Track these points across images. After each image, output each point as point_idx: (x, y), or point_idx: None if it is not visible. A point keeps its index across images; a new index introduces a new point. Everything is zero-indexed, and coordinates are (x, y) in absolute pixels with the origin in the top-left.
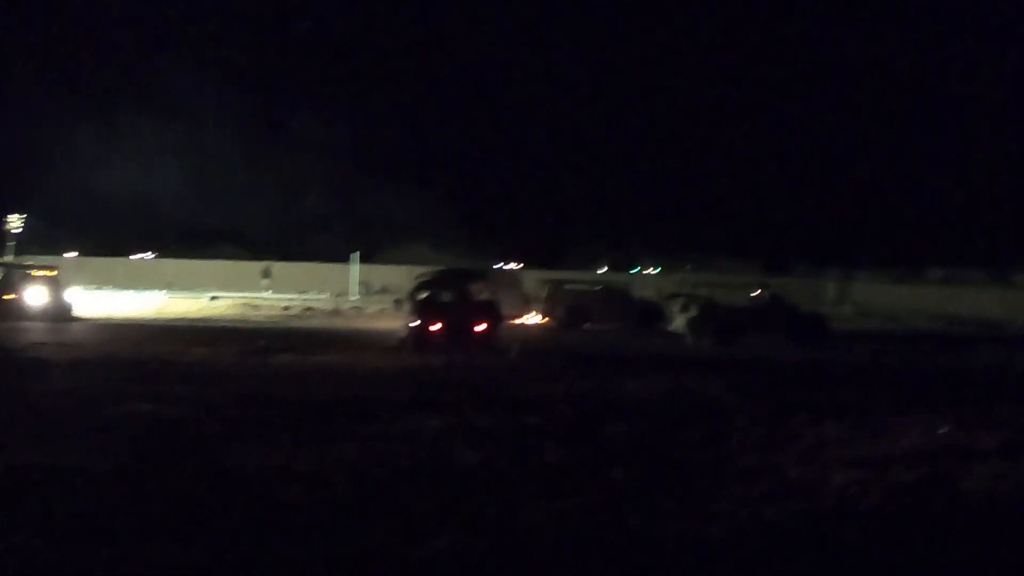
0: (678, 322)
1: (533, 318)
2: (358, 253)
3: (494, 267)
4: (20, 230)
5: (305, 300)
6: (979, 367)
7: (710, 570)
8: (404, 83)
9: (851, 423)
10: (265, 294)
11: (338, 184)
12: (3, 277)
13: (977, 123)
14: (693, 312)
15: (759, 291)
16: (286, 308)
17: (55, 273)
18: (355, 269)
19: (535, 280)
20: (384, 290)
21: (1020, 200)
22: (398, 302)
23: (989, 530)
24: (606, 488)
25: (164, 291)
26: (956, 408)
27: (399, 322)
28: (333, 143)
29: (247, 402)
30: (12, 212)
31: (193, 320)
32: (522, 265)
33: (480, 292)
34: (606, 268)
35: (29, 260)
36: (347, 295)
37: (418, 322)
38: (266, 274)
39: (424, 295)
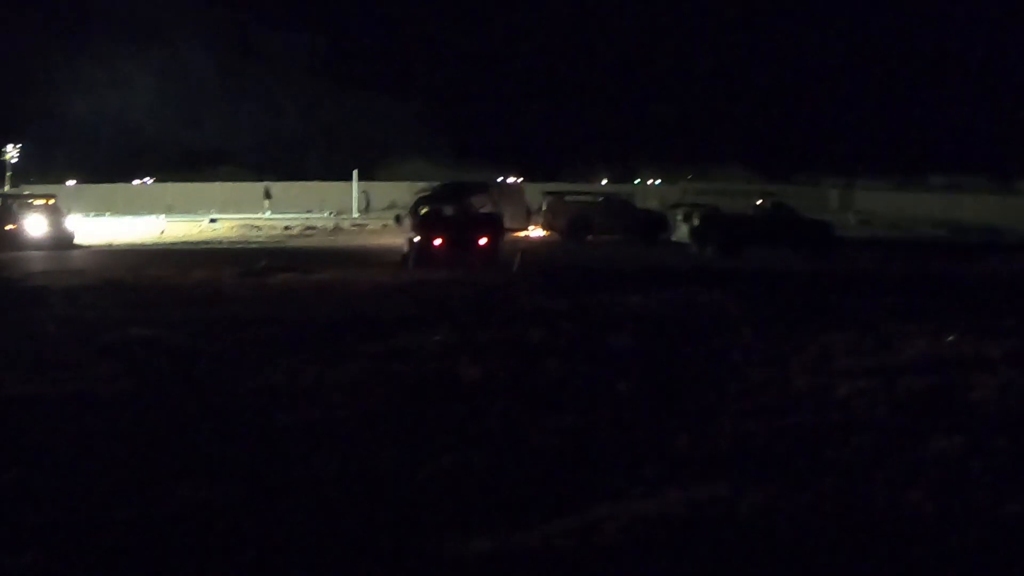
0: (681, 232)
1: (535, 231)
2: (357, 171)
3: (496, 180)
4: (16, 160)
5: (306, 219)
6: (984, 275)
7: (716, 483)
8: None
9: (857, 333)
10: (266, 215)
11: (337, 102)
12: (1, 207)
13: (979, 28)
14: (696, 222)
15: (763, 200)
16: (287, 228)
17: (54, 201)
18: (355, 186)
19: (537, 193)
20: (392, 205)
21: (1022, 106)
22: (399, 218)
23: (998, 438)
24: (611, 402)
25: (164, 215)
26: (962, 316)
27: (401, 238)
28: (331, 61)
29: (247, 323)
30: (8, 143)
31: (194, 243)
32: (523, 178)
33: (482, 205)
34: (606, 180)
35: (27, 190)
36: (348, 213)
37: (420, 237)
38: (267, 195)
39: (425, 210)
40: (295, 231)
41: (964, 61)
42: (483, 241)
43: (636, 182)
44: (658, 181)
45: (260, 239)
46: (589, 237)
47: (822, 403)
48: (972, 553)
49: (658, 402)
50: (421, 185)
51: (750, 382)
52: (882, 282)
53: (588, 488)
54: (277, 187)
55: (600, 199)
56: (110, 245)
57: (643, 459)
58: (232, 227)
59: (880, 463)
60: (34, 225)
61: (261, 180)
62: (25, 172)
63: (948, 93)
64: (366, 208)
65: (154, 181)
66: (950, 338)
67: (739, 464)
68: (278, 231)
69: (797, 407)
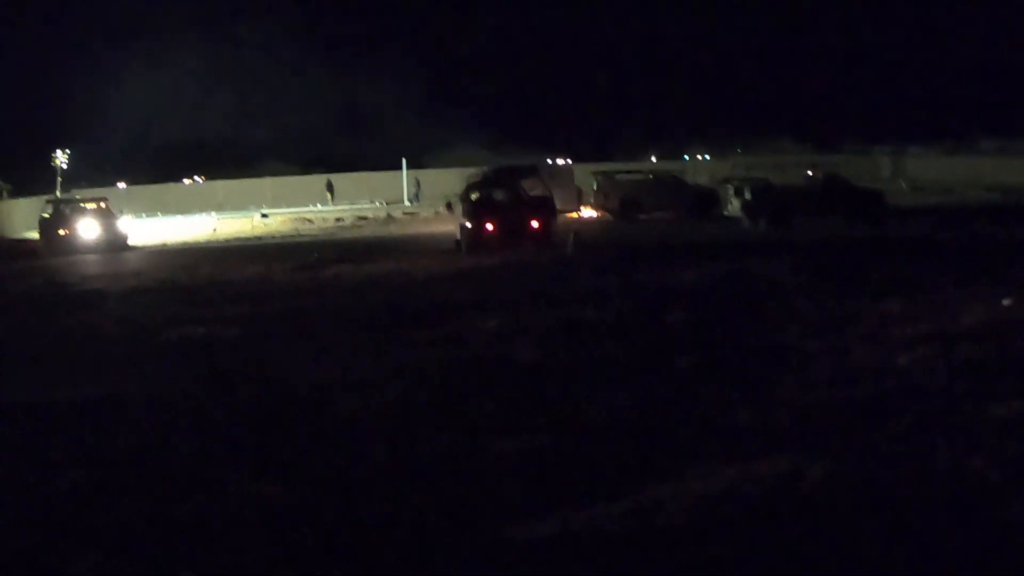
0: (733, 206)
1: (587, 212)
2: (405, 160)
3: (545, 163)
4: (66, 165)
5: (359, 210)
6: None
7: (777, 458)
8: None
9: (913, 300)
10: (318, 207)
11: (382, 91)
12: (54, 213)
13: None
14: (747, 195)
15: (813, 171)
16: (339, 220)
17: (105, 204)
18: (405, 175)
19: (586, 173)
20: (449, 196)
21: None
22: (450, 205)
23: None
24: (668, 379)
25: (215, 213)
26: (1018, 281)
27: (452, 225)
28: (376, 50)
29: (302, 316)
30: (57, 148)
31: (246, 239)
32: (572, 160)
33: (532, 188)
34: (656, 158)
35: (79, 194)
36: (399, 202)
37: (471, 223)
38: (330, 188)
39: (476, 195)
40: (347, 223)
41: (1012, 22)
42: (535, 224)
43: (686, 158)
44: (707, 156)
45: (312, 232)
46: (641, 216)
47: (881, 372)
48: None
49: (716, 377)
50: (471, 171)
51: (807, 353)
52: (936, 248)
53: (648, 467)
54: (328, 179)
55: (650, 177)
56: (163, 245)
57: (703, 436)
58: (284, 222)
59: (942, 431)
60: (87, 228)
61: (308, 174)
62: (76, 176)
63: (998, 56)
64: (416, 196)
65: (204, 180)
66: (1006, 302)
67: (800, 437)
68: (330, 223)
69: (856, 377)
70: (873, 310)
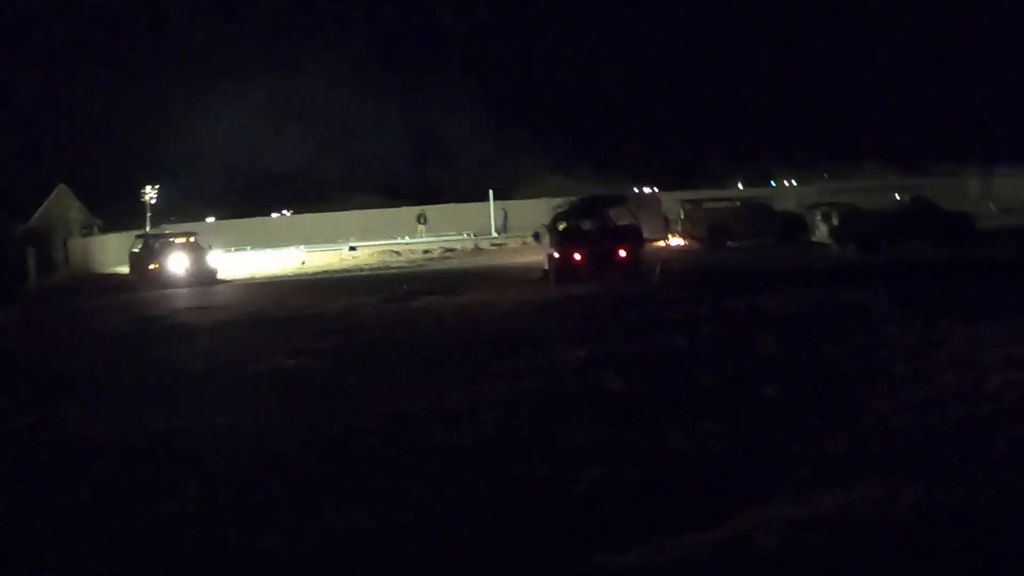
0: (820, 232)
1: (674, 240)
2: (492, 191)
3: (632, 191)
4: (155, 200)
5: (446, 241)
6: None
7: (869, 483)
8: (528, 12)
9: (1003, 324)
10: (406, 239)
11: (466, 123)
12: (144, 247)
13: None
14: (835, 221)
15: (900, 194)
16: (427, 251)
17: (195, 239)
18: (492, 206)
19: (674, 201)
20: (537, 226)
21: None
22: (537, 235)
23: None
24: (758, 407)
25: (303, 246)
26: None
27: (540, 255)
28: (458, 82)
29: (392, 348)
30: (146, 184)
31: (335, 272)
32: (659, 188)
33: (620, 217)
34: (742, 184)
35: (168, 228)
36: (487, 233)
37: (559, 253)
38: (422, 220)
39: (564, 225)
40: (435, 254)
41: None
42: (623, 253)
43: (772, 184)
44: (794, 182)
45: (400, 264)
46: (728, 243)
47: (971, 396)
48: None
49: (806, 403)
50: (558, 201)
51: (897, 378)
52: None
53: (739, 494)
54: (415, 211)
55: (737, 204)
56: (252, 278)
57: (793, 462)
58: (372, 254)
59: None
60: (177, 263)
61: (395, 206)
62: (165, 211)
63: None
64: (504, 227)
65: (292, 213)
66: None
67: (891, 462)
68: (418, 255)
69: (946, 402)
70: (963, 334)
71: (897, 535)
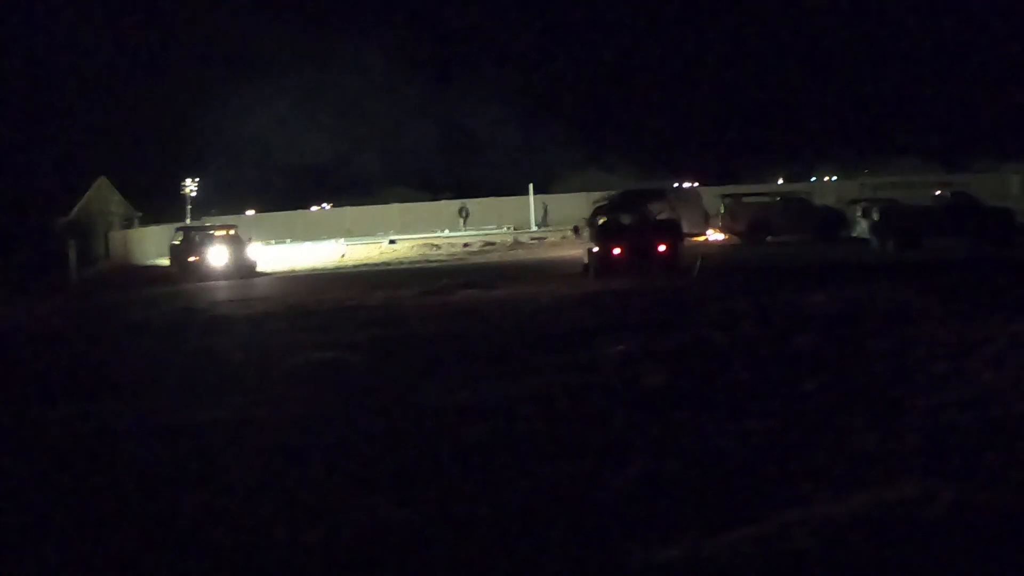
0: (861, 228)
1: (714, 235)
2: (532, 184)
3: (672, 186)
4: (195, 192)
5: (486, 235)
6: None
7: (906, 483)
8: (566, 3)
9: None
10: (445, 232)
11: (507, 116)
12: (184, 240)
13: None
14: (875, 216)
15: (941, 190)
16: (466, 245)
17: (234, 231)
18: (532, 200)
19: (714, 196)
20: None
21: None
22: (577, 229)
23: None
24: (797, 403)
25: (343, 239)
26: None
27: (579, 249)
28: (498, 76)
29: (430, 341)
30: (187, 176)
31: (374, 265)
32: (699, 182)
33: (659, 212)
34: (783, 180)
35: (208, 221)
36: (526, 227)
37: (599, 247)
38: (463, 213)
39: (603, 219)
40: (474, 247)
41: None
42: (663, 248)
43: (812, 180)
44: (835, 178)
45: (440, 258)
46: (769, 238)
47: (1012, 395)
48: None
49: (844, 401)
50: (597, 195)
51: (937, 376)
52: None
53: (776, 492)
54: (455, 205)
55: (778, 199)
56: (292, 271)
57: (831, 460)
58: (411, 247)
59: None
60: (216, 255)
61: (435, 200)
62: (205, 204)
63: None
64: (544, 221)
65: (332, 206)
66: None
67: (929, 461)
68: (457, 248)
69: (986, 400)
70: (1003, 332)
71: (935, 535)
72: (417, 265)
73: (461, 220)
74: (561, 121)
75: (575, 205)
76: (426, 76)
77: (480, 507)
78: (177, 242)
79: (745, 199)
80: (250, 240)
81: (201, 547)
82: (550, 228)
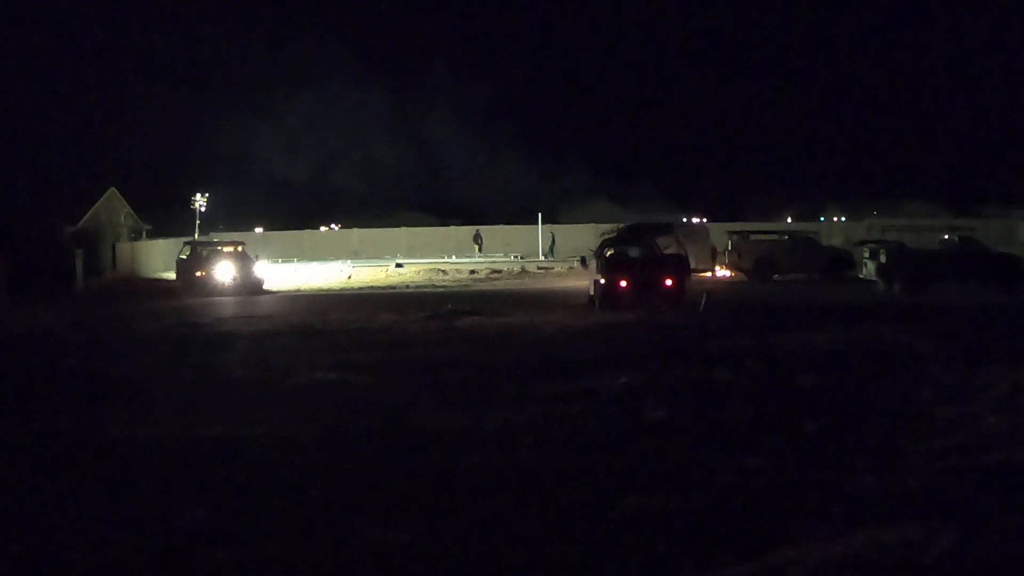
0: (868, 269)
1: (721, 271)
2: (541, 214)
3: (680, 221)
4: (204, 208)
5: (492, 262)
6: None
7: (905, 525)
8: (578, 36)
9: None
10: (452, 258)
11: (516, 146)
12: (191, 254)
13: None
14: (883, 259)
15: (949, 235)
16: (473, 272)
17: (242, 248)
18: (540, 229)
19: (721, 233)
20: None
21: None
22: (584, 260)
23: None
24: (797, 443)
25: (350, 260)
26: None
27: (586, 280)
28: (509, 106)
29: (433, 367)
30: (196, 192)
31: (380, 288)
32: (707, 218)
33: (667, 246)
34: (791, 218)
35: (216, 237)
36: (534, 256)
37: (605, 279)
38: (477, 239)
39: (611, 251)
40: (481, 274)
41: None
42: (669, 282)
43: (821, 220)
44: (843, 218)
45: (446, 283)
46: (775, 276)
47: (1013, 441)
48: None
49: (845, 442)
50: (605, 227)
51: (938, 420)
52: None
53: (774, 530)
54: (463, 231)
55: (785, 238)
56: (298, 290)
57: (830, 500)
58: (418, 271)
59: None
60: (223, 271)
61: (443, 225)
62: (214, 219)
63: None
64: (551, 250)
65: (340, 227)
66: None
67: (929, 505)
68: (464, 275)
69: (987, 445)
70: (1007, 378)
71: None
72: (423, 289)
73: (476, 247)
74: (572, 152)
75: (583, 236)
76: (440, 103)
77: (474, 535)
78: (184, 256)
79: (752, 236)
80: (257, 257)
81: (195, 565)
82: (557, 258)
